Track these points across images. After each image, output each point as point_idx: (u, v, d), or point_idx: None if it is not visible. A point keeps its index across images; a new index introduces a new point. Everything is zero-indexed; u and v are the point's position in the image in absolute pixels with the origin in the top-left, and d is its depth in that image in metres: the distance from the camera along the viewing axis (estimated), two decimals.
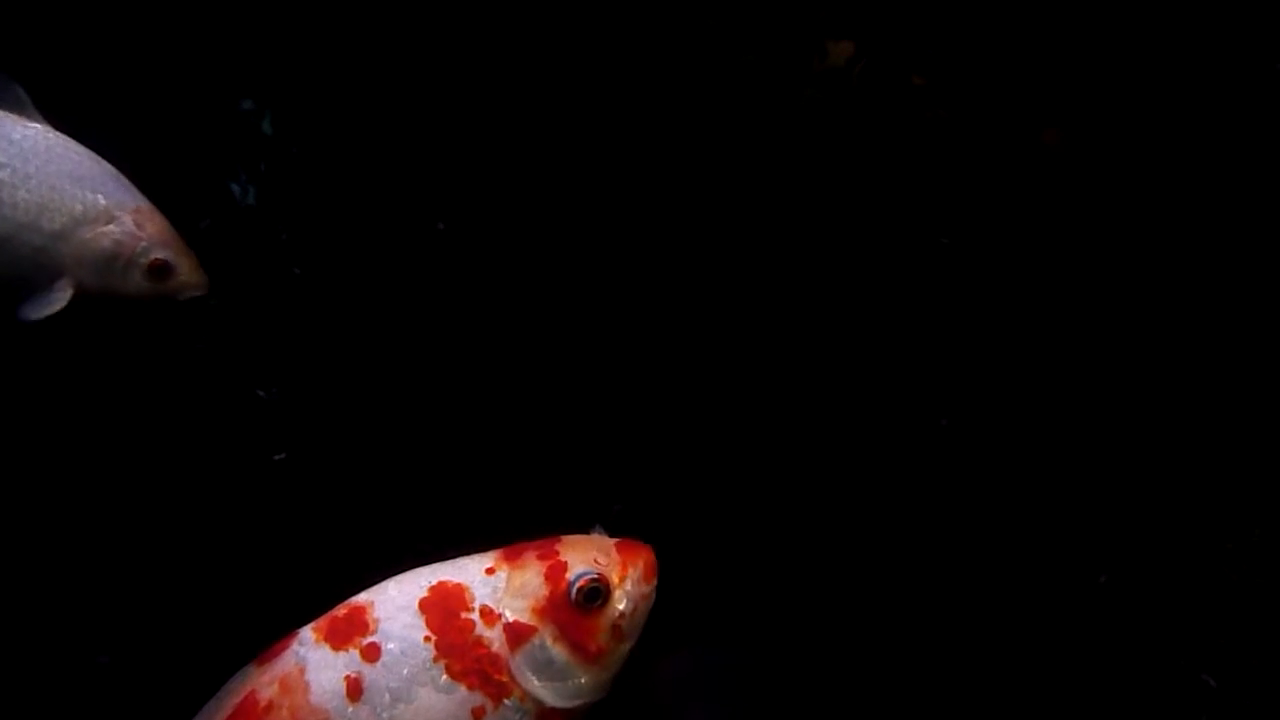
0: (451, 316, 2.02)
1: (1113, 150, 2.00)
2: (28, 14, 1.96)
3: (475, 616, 1.29)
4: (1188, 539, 1.88)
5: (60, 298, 1.64)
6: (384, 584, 1.32)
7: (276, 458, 1.95)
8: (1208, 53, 1.95)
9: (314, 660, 1.27)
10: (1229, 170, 1.95)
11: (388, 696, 1.26)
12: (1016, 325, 2.01)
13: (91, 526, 1.89)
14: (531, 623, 1.30)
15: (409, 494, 1.94)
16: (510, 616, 1.30)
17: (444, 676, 1.28)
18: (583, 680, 1.31)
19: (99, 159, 1.68)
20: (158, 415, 1.95)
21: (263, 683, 1.26)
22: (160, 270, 1.66)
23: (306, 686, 1.26)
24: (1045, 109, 2.02)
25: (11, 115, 1.66)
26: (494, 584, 1.31)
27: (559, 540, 1.34)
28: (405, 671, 1.27)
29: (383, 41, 2.06)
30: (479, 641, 1.29)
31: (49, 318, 1.66)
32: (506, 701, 1.29)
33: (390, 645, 1.27)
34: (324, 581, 1.37)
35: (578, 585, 1.30)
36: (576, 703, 1.31)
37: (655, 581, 1.35)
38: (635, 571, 1.33)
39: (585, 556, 1.32)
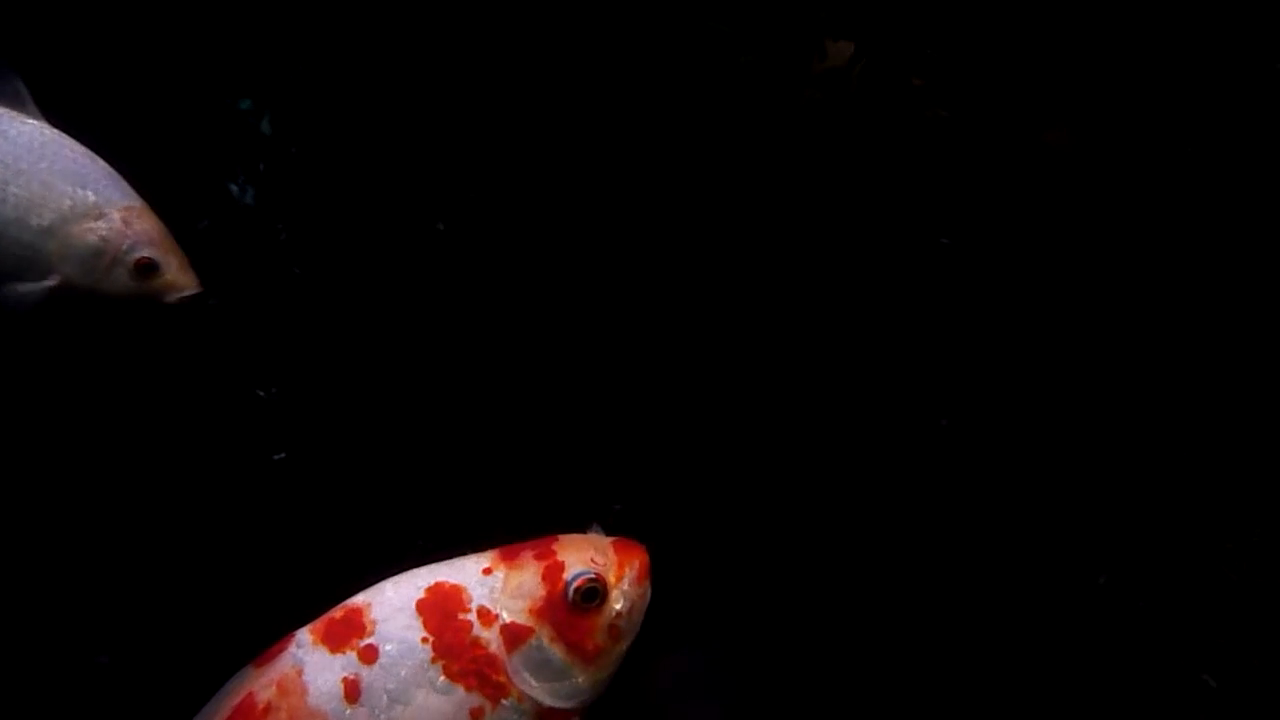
0: (451, 317, 2.02)
1: (1112, 150, 2.00)
2: (29, 12, 1.96)
3: (473, 617, 1.29)
4: (1188, 539, 1.88)
5: (40, 289, 1.64)
6: (381, 585, 1.32)
7: (276, 458, 1.95)
8: (1208, 53, 1.94)
9: (311, 662, 1.27)
10: (1228, 170, 1.95)
11: (385, 698, 1.26)
12: (1017, 325, 2.01)
13: (91, 526, 1.89)
14: (529, 623, 1.30)
15: (407, 494, 1.95)
16: (507, 617, 1.30)
17: (442, 677, 1.28)
18: (580, 680, 1.31)
19: (94, 156, 1.68)
20: (157, 415, 1.95)
21: (260, 684, 1.26)
22: (146, 269, 1.65)
23: (304, 688, 1.26)
24: (1045, 109, 2.01)
25: (8, 111, 1.66)
26: (491, 584, 1.31)
27: (556, 540, 1.34)
28: (403, 673, 1.27)
29: (382, 41, 2.06)
30: (476, 642, 1.29)
31: (47, 318, 1.66)
32: (504, 702, 1.29)
33: (388, 647, 1.27)
34: (322, 581, 1.38)
35: (575, 585, 1.30)
36: (574, 702, 1.31)
37: (650, 580, 1.35)
38: (631, 571, 1.33)
39: (582, 556, 1.32)
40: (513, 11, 2.06)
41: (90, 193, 1.65)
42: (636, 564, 1.34)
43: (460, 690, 1.28)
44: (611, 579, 1.32)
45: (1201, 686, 1.81)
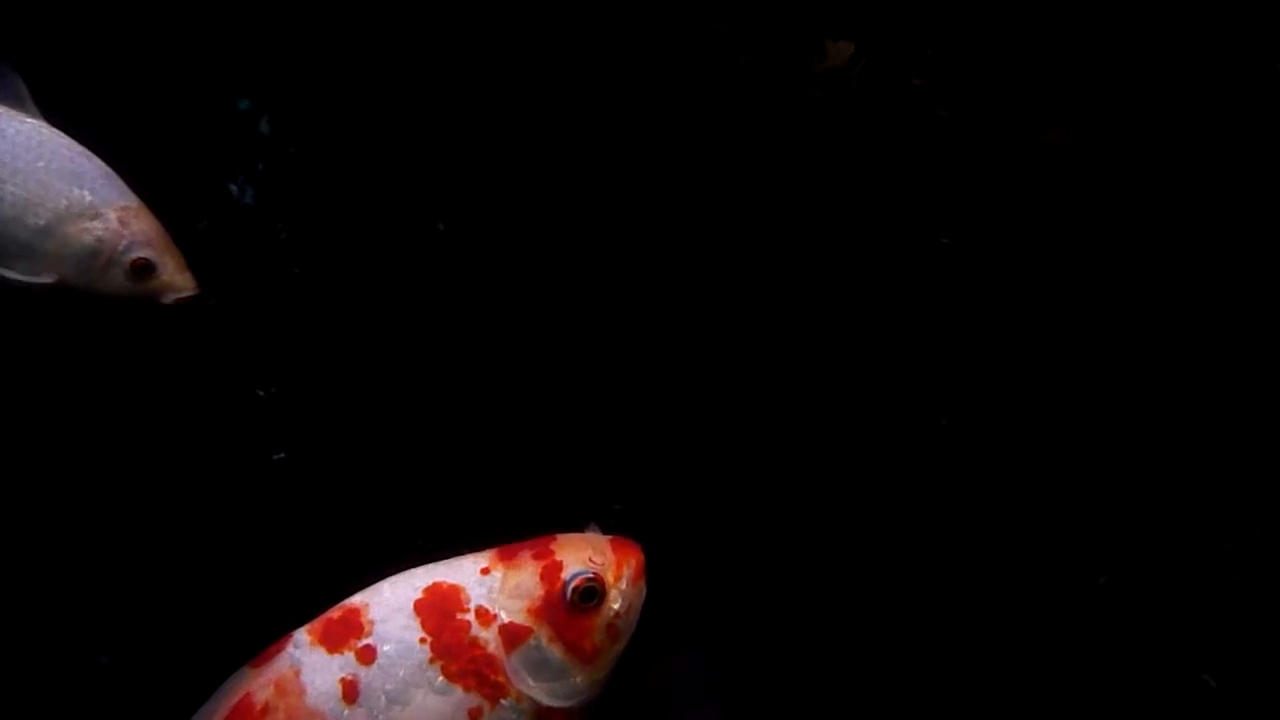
0: (451, 317, 2.02)
1: (1112, 150, 2.00)
2: (29, 11, 1.96)
3: (471, 617, 1.29)
4: (1188, 539, 1.88)
5: (36, 285, 1.64)
6: (378, 585, 1.32)
7: (275, 457, 1.95)
8: (1208, 53, 1.94)
9: (309, 662, 1.27)
10: (1228, 170, 1.95)
11: (384, 699, 1.26)
12: (1017, 325, 2.00)
13: (91, 526, 1.89)
14: (527, 623, 1.29)
15: (405, 494, 1.95)
16: (506, 617, 1.30)
17: (440, 678, 1.27)
18: (578, 680, 1.31)
19: (91, 156, 1.68)
20: (157, 415, 1.95)
21: (258, 685, 1.26)
22: (143, 270, 1.65)
23: (302, 689, 1.25)
24: (1045, 109, 2.01)
25: (7, 110, 1.66)
26: (489, 584, 1.31)
27: (554, 539, 1.34)
28: (401, 673, 1.27)
29: (381, 41, 2.06)
30: (475, 642, 1.29)
31: (45, 318, 1.67)
32: (503, 702, 1.29)
33: (386, 647, 1.27)
34: (320, 582, 1.37)
35: (573, 585, 1.30)
36: (572, 702, 1.31)
37: (645, 579, 1.35)
38: (629, 570, 1.33)
39: (580, 556, 1.32)
40: (512, 11, 2.06)
41: (87, 192, 1.65)
42: (633, 563, 1.34)
43: (459, 690, 1.28)
44: (610, 578, 1.32)
45: (1201, 686, 1.81)
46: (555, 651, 1.30)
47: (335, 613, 1.30)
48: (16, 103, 1.67)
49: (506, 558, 1.32)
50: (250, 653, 1.30)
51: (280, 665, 1.27)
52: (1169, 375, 1.95)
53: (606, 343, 2.03)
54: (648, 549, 1.37)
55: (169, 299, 1.68)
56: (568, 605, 1.30)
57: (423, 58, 2.06)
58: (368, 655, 1.27)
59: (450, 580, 1.31)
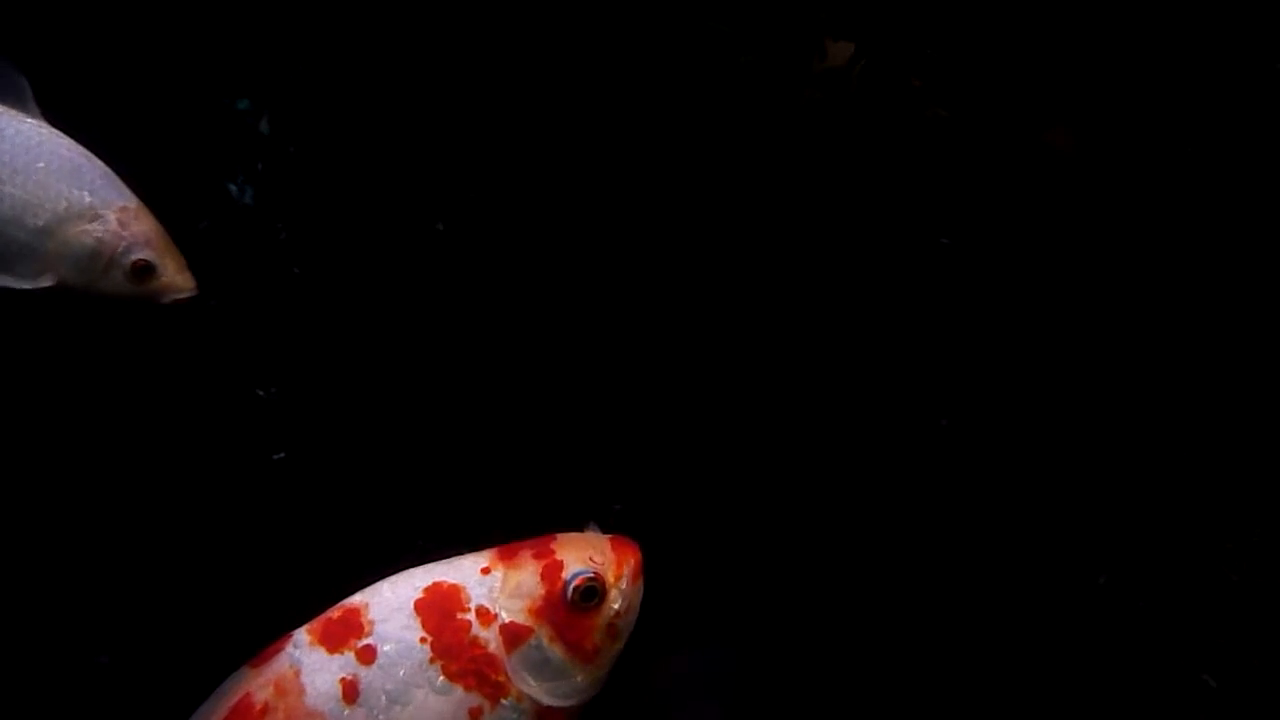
0: (450, 316, 2.02)
1: (1113, 150, 2.00)
2: (29, 11, 1.96)
3: (471, 617, 1.29)
4: (1188, 539, 1.88)
5: (36, 287, 1.64)
6: (378, 585, 1.32)
7: (275, 457, 1.95)
8: (1208, 53, 1.94)
9: (309, 662, 1.27)
10: (1228, 169, 1.95)
11: (384, 699, 1.26)
12: (1017, 325, 2.00)
13: (91, 526, 1.89)
14: (528, 623, 1.30)
15: (405, 494, 1.95)
16: (507, 617, 1.30)
17: (440, 677, 1.27)
18: (579, 679, 1.31)
19: (91, 156, 1.67)
20: (157, 415, 1.95)
21: (257, 685, 1.26)
22: (143, 271, 1.65)
23: (301, 689, 1.25)
24: (1046, 109, 2.01)
25: (7, 110, 1.66)
26: (490, 584, 1.31)
27: (554, 539, 1.34)
28: (401, 673, 1.27)
29: (380, 40, 2.06)
30: (475, 642, 1.29)
31: (46, 318, 1.66)
32: (504, 701, 1.29)
33: (386, 647, 1.27)
34: (320, 581, 1.37)
35: (574, 585, 1.30)
36: (572, 701, 1.31)
37: (644, 578, 1.35)
38: (628, 569, 1.33)
39: (581, 555, 1.32)
40: (512, 11, 2.06)
41: (86, 193, 1.64)
42: (633, 562, 1.34)
43: (459, 690, 1.28)
44: (610, 578, 1.32)
45: (1201, 686, 1.81)
46: (556, 651, 1.30)
47: (335, 612, 1.30)
48: (18, 103, 1.66)
49: (507, 557, 1.33)
50: (250, 653, 1.30)
51: (280, 665, 1.27)
52: (1169, 375, 1.95)
53: (606, 343, 2.03)
54: (648, 549, 1.37)
55: (169, 300, 1.68)
56: (569, 605, 1.30)
57: (422, 58, 2.06)
58: (368, 655, 1.27)
59: (451, 580, 1.31)
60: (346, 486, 1.94)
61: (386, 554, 1.41)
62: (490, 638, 1.29)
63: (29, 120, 1.67)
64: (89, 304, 1.67)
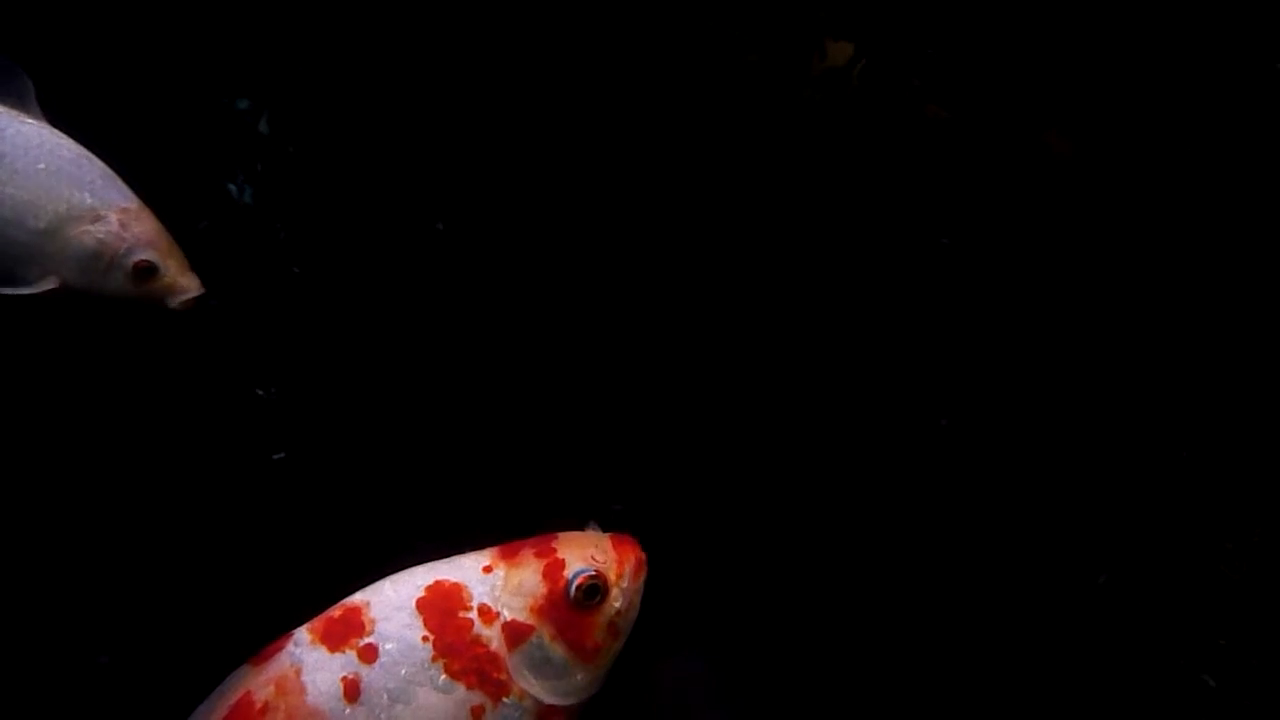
0: (450, 316, 2.02)
1: (1112, 150, 2.00)
2: (29, 12, 1.96)
3: (473, 615, 1.29)
4: (1188, 539, 1.88)
5: (38, 290, 1.64)
6: (380, 584, 1.32)
7: (275, 457, 1.95)
8: (1208, 53, 1.94)
9: (310, 661, 1.27)
10: (1228, 169, 1.95)
11: (386, 697, 1.26)
12: (1017, 326, 2.01)
13: (91, 526, 1.89)
14: (530, 621, 1.30)
15: (406, 493, 1.94)
16: (509, 615, 1.30)
17: (443, 676, 1.27)
18: (580, 677, 1.31)
19: (92, 157, 1.67)
20: (157, 415, 1.95)
21: (258, 683, 1.26)
22: (145, 272, 1.65)
23: (303, 688, 1.25)
24: (1045, 109, 2.01)
25: (8, 111, 1.66)
26: (492, 582, 1.31)
27: (555, 537, 1.34)
28: (403, 672, 1.27)
29: (380, 40, 2.06)
30: (477, 640, 1.29)
31: (47, 319, 1.66)
32: (505, 700, 1.29)
33: (388, 646, 1.27)
34: (321, 580, 1.37)
35: (576, 583, 1.30)
36: (573, 700, 1.31)
37: (644, 577, 1.35)
38: (629, 568, 1.33)
39: (582, 554, 1.32)
40: (513, 11, 2.06)
41: (87, 194, 1.64)
42: (634, 561, 1.34)
43: (461, 688, 1.28)
44: (611, 576, 1.32)
45: (1201, 686, 1.81)
46: (558, 649, 1.30)
47: (336, 611, 1.30)
48: (20, 104, 1.66)
49: (508, 556, 1.33)
50: (250, 652, 1.30)
51: (281, 664, 1.27)
52: (1169, 376, 1.95)
53: (606, 343, 2.03)
54: (648, 549, 1.37)
55: (175, 302, 1.68)
56: (570, 603, 1.30)
57: (422, 58, 2.06)
58: (369, 654, 1.27)
59: (452, 578, 1.31)
60: (346, 486, 1.94)
61: (387, 553, 1.41)
62: (492, 636, 1.29)
63: (30, 121, 1.67)
64: (91, 306, 1.67)
